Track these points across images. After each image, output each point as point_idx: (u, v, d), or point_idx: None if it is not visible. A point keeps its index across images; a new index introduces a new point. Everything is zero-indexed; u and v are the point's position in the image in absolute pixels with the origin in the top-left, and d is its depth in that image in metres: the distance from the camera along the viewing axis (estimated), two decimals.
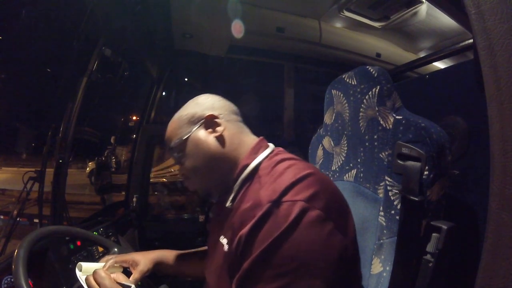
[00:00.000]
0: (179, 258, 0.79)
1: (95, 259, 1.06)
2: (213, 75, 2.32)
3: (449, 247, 0.53)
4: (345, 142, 0.79)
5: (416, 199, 0.53)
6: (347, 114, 0.77)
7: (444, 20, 1.76)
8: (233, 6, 1.52)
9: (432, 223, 0.54)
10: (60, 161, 1.30)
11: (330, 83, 0.85)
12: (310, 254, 0.44)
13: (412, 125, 0.59)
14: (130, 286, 0.59)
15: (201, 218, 2.20)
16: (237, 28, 1.66)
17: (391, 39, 2.15)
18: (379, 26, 1.89)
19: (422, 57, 1.12)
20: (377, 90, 0.66)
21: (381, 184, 0.65)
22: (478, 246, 0.71)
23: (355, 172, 0.75)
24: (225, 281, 0.52)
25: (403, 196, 0.56)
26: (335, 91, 0.82)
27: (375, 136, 0.67)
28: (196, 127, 0.61)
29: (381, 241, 0.62)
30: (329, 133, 0.87)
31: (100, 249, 1.10)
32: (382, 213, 0.64)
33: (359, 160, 0.73)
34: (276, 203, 0.45)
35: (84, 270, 0.67)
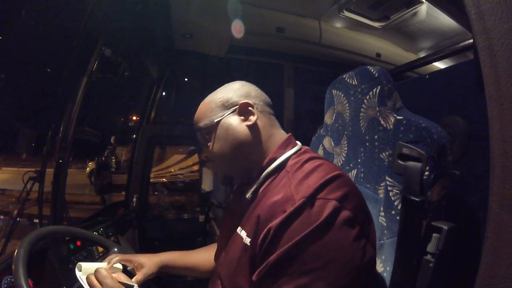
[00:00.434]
0: (183, 259, 0.78)
1: (95, 259, 1.06)
2: (213, 75, 2.32)
3: (449, 247, 0.53)
4: (346, 142, 0.79)
5: (417, 199, 0.53)
6: (348, 114, 0.77)
7: (444, 20, 1.76)
8: (233, 6, 1.52)
9: (432, 223, 0.54)
10: (60, 161, 1.31)
11: (330, 83, 0.84)
12: (338, 254, 0.44)
13: (413, 125, 0.58)
14: (133, 286, 0.59)
15: (201, 218, 2.20)
16: (237, 28, 1.66)
17: (391, 39, 2.15)
18: (379, 26, 1.89)
19: (422, 57, 1.12)
20: (377, 90, 0.66)
21: (381, 184, 0.65)
22: (478, 246, 0.71)
23: (355, 172, 0.75)
24: (242, 273, 0.52)
25: (404, 197, 0.56)
26: (335, 91, 0.82)
27: (376, 136, 0.67)
28: (229, 112, 0.60)
29: (382, 241, 0.62)
30: (329, 133, 0.87)
31: (100, 249, 1.10)
32: (382, 213, 0.64)
33: (359, 160, 0.73)
34: (310, 199, 0.45)
35: (84, 270, 0.67)
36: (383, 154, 0.65)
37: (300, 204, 0.45)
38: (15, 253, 0.62)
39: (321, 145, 0.91)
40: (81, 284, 0.64)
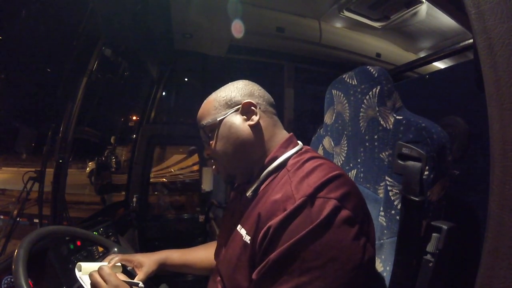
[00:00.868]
0: (182, 256, 0.79)
1: (95, 259, 1.06)
2: (213, 75, 2.32)
3: (449, 247, 0.53)
4: (345, 142, 0.79)
5: (417, 199, 0.53)
6: (348, 114, 0.77)
7: (444, 20, 1.76)
8: (233, 6, 1.52)
9: (432, 223, 0.54)
10: (60, 161, 1.31)
11: (330, 83, 0.84)
12: (338, 252, 0.44)
13: (413, 125, 0.58)
14: (138, 283, 0.60)
15: (201, 218, 2.20)
16: (237, 28, 1.66)
17: (391, 39, 2.15)
18: (379, 26, 1.89)
19: (422, 57, 1.12)
20: (377, 90, 0.66)
21: (381, 184, 0.65)
22: (478, 246, 0.71)
23: (355, 172, 0.75)
24: (242, 271, 0.52)
25: (404, 196, 0.56)
26: (335, 91, 0.82)
27: (376, 136, 0.67)
28: (232, 111, 0.61)
29: (381, 241, 0.62)
30: (329, 133, 0.87)
31: (100, 249, 1.10)
32: (382, 213, 0.64)
33: (359, 160, 0.73)
34: (310, 198, 0.46)
35: (84, 270, 0.67)
36: (383, 154, 0.65)
37: (301, 203, 0.45)
38: (15, 253, 0.62)
39: (321, 145, 0.91)
40: (81, 284, 0.64)
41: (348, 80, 0.76)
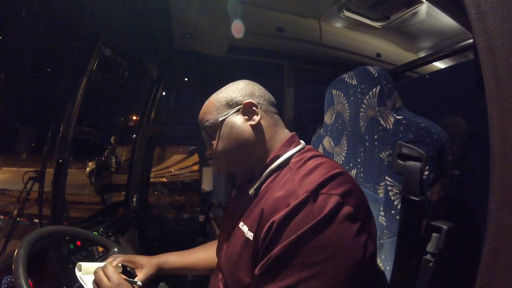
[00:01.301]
0: (181, 259, 0.79)
1: (95, 259, 1.06)
2: (213, 75, 2.32)
3: (449, 247, 0.53)
4: (345, 142, 0.79)
5: (417, 199, 0.53)
6: (347, 114, 0.77)
7: (444, 20, 1.76)
8: (233, 6, 1.52)
9: (432, 223, 0.54)
10: (60, 161, 1.31)
11: (330, 83, 0.84)
12: (339, 248, 0.44)
13: (413, 125, 0.58)
14: (136, 282, 0.62)
15: (201, 218, 2.20)
16: (237, 28, 1.66)
17: (391, 39, 2.15)
18: (379, 26, 1.89)
19: (422, 57, 1.12)
20: (377, 90, 0.66)
21: (381, 184, 0.65)
22: (478, 246, 0.71)
23: (355, 172, 0.75)
24: (244, 267, 0.53)
25: (404, 196, 0.56)
26: (335, 91, 0.82)
27: (375, 136, 0.67)
28: (233, 111, 0.61)
29: (381, 241, 0.62)
30: (329, 133, 0.87)
31: (100, 249, 1.10)
32: (382, 213, 0.64)
33: (359, 160, 0.73)
34: (313, 194, 0.46)
35: (84, 270, 0.67)
36: (383, 154, 0.65)
37: (303, 199, 0.46)
38: (15, 253, 0.62)
39: (321, 145, 0.91)
40: (81, 284, 0.65)
41: (348, 80, 0.76)
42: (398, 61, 2.19)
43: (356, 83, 0.73)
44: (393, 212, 0.61)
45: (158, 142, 2.54)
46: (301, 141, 0.64)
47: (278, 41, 1.98)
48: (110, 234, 1.27)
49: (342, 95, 0.79)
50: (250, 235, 0.53)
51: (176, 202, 4.09)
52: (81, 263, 0.67)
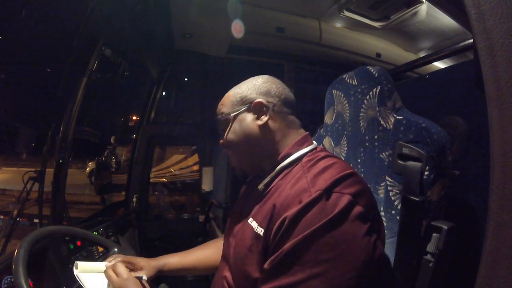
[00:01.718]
0: (180, 261, 0.79)
1: (95, 259, 1.06)
2: (213, 75, 2.32)
3: (449, 247, 0.53)
4: (345, 142, 0.79)
5: (417, 199, 0.53)
6: (348, 114, 0.77)
7: (444, 20, 1.76)
8: (233, 6, 1.52)
9: (432, 223, 0.54)
10: (60, 161, 1.30)
11: (330, 83, 0.84)
12: (350, 246, 0.45)
13: (413, 125, 0.58)
14: (142, 277, 0.64)
15: (201, 218, 2.20)
16: (237, 28, 1.66)
17: (391, 39, 2.15)
18: (379, 26, 1.89)
19: (422, 57, 1.12)
20: (377, 90, 0.66)
21: (381, 184, 0.65)
22: (478, 246, 0.71)
23: None
24: (252, 262, 0.53)
25: (404, 196, 0.56)
26: (335, 91, 0.82)
27: (376, 136, 0.67)
28: (244, 109, 0.63)
29: (384, 246, 0.62)
30: (329, 133, 0.87)
31: (100, 249, 1.10)
32: (382, 213, 0.64)
33: (359, 160, 0.73)
34: (326, 191, 0.47)
35: (81, 268, 0.67)
36: (383, 154, 0.65)
37: (317, 196, 0.47)
38: (15, 253, 0.62)
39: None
40: (80, 284, 0.65)
41: (348, 80, 0.76)
42: (398, 61, 2.19)
43: (356, 83, 0.73)
44: (393, 212, 0.61)
45: (158, 142, 2.54)
46: (314, 141, 0.64)
47: (278, 41, 1.98)
48: (110, 234, 1.27)
49: (342, 95, 0.79)
50: (260, 230, 0.54)
51: (176, 202, 4.10)
52: (78, 262, 0.68)
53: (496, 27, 0.29)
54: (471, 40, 0.81)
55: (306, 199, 0.47)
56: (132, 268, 0.73)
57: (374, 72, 0.68)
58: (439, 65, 1.74)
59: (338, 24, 1.96)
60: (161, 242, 2.19)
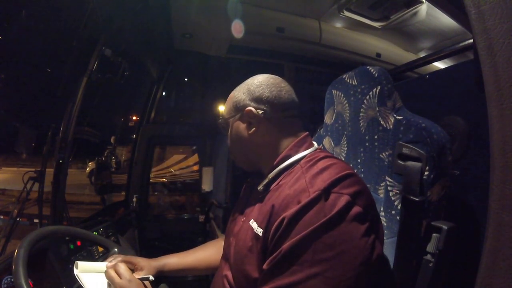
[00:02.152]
0: (180, 261, 0.79)
1: (95, 259, 1.06)
2: (213, 75, 2.32)
3: (449, 247, 0.53)
4: (345, 142, 0.79)
5: (417, 199, 0.53)
6: (348, 114, 0.77)
7: (444, 20, 1.76)
8: (233, 6, 1.52)
9: (432, 223, 0.54)
10: (60, 161, 1.30)
11: (331, 83, 0.84)
12: (348, 246, 0.45)
13: (413, 125, 0.58)
14: (149, 277, 0.64)
15: (201, 218, 2.20)
16: (237, 28, 1.66)
17: (391, 39, 2.15)
18: (379, 26, 1.89)
19: (422, 57, 1.12)
20: (377, 90, 0.66)
21: (381, 184, 0.65)
22: (478, 246, 0.71)
23: None
24: (252, 262, 0.53)
25: (404, 196, 0.56)
26: (335, 91, 0.82)
27: (376, 137, 0.67)
28: (237, 116, 0.64)
29: (382, 246, 0.62)
30: (329, 133, 0.87)
31: (100, 249, 1.10)
32: (382, 213, 0.64)
33: (359, 160, 0.73)
34: (324, 192, 0.47)
35: (81, 268, 0.67)
36: (383, 154, 0.65)
37: (315, 196, 0.47)
38: (15, 253, 0.62)
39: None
40: (80, 284, 0.65)
41: (348, 80, 0.76)
42: (398, 61, 2.19)
43: (356, 83, 0.73)
44: (393, 212, 0.61)
45: (158, 142, 2.54)
46: (314, 142, 0.64)
47: (278, 41, 1.98)
48: (110, 234, 1.27)
49: (342, 95, 0.79)
50: (259, 230, 0.54)
51: (176, 202, 4.10)
52: (78, 262, 0.67)
53: (496, 27, 0.29)
54: (471, 40, 0.81)
55: (304, 200, 0.47)
56: (132, 268, 0.73)
57: (374, 72, 0.68)
58: (439, 65, 1.74)
59: (338, 24, 1.96)
60: (161, 242, 2.19)
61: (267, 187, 0.60)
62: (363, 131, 0.71)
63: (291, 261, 0.46)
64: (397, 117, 0.63)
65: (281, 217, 0.48)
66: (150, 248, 2.12)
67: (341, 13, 1.76)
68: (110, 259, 0.73)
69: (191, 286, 1.75)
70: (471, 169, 0.77)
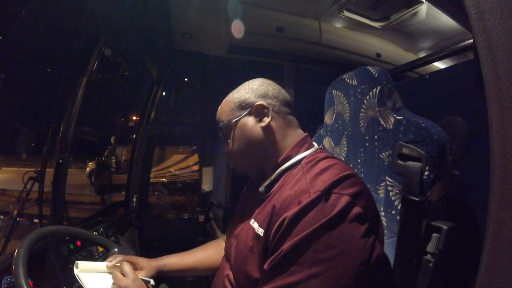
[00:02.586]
0: (180, 261, 0.79)
1: (95, 259, 1.07)
2: (213, 75, 2.32)
3: (449, 247, 0.53)
4: (345, 142, 0.79)
5: (417, 199, 0.53)
6: (348, 114, 0.77)
7: (444, 20, 1.76)
8: (233, 6, 1.52)
9: (432, 223, 0.54)
10: (60, 161, 1.30)
11: (330, 83, 0.84)
12: (348, 247, 0.45)
13: (413, 125, 0.58)
14: (150, 281, 0.65)
15: (201, 218, 2.20)
16: (237, 28, 1.66)
17: (391, 39, 2.15)
18: (379, 26, 1.89)
19: (422, 57, 1.12)
20: (377, 91, 0.66)
21: (381, 184, 0.65)
22: (478, 246, 0.71)
23: None
24: (253, 262, 0.54)
25: (404, 196, 0.56)
26: (335, 91, 0.82)
27: (376, 137, 0.67)
28: (245, 113, 0.63)
29: (383, 247, 0.62)
30: (329, 133, 0.87)
31: (100, 249, 1.10)
32: (382, 213, 0.64)
33: (359, 160, 0.73)
34: (325, 193, 0.47)
35: (81, 268, 0.67)
36: (383, 154, 0.65)
37: (316, 197, 0.47)
38: (15, 253, 0.62)
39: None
40: (80, 284, 0.65)
41: (348, 80, 0.76)
42: (398, 61, 2.18)
43: (356, 83, 0.73)
44: (393, 212, 0.61)
45: (158, 142, 2.54)
46: (314, 143, 0.65)
47: (278, 41, 1.98)
48: (110, 234, 1.27)
49: (342, 95, 0.79)
50: (260, 231, 0.54)
51: (176, 202, 4.10)
52: (78, 261, 0.67)
53: (496, 27, 0.29)
54: (471, 40, 0.81)
55: (305, 200, 0.47)
56: (132, 268, 0.73)
57: (374, 72, 0.68)
58: (439, 65, 1.74)
59: (338, 24, 1.96)
60: (161, 242, 2.19)
61: (268, 188, 0.60)
62: (363, 131, 0.71)
63: (291, 261, 0.46)
64: (397, 117, 0.63)
65: (282, 218, 0.48)
66: (150, 248, 2.12)
67: (341, 13, 1.76)
68: (110, 259, 0.73)
69: (191, 286, 1.75)
70: (471, 169, 0.77)
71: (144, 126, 2.28)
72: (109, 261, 0.71)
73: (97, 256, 1.09)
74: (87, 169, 6.89)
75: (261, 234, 0.53)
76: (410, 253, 0.55)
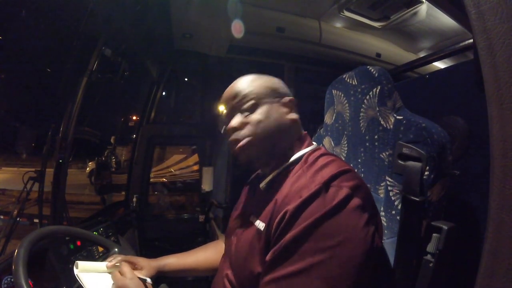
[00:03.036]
0: (181, 262, 0.80)
1: (95, 259, 1.07)
2: (213, 75, 2.32)
3: (449, 247, 0.53)
4: (346, 142, 0.79)
5: (417, 199, 0.53)
6: (348, 114, 0.77)
7: (444, 20, 1.76)
8: (233, 6, 1.52)
9: (432, 223, 0.54)
10: (60, 161, 1.31)
11: (331, 83, 0.84)
12: (350, 235, 0.46)
13: (413, 125, 0.58)
14: (146, 280, 0.66)
15: (201, 218, 2.20)
16: (237, 28, 1.66)
17: (391, 39, 2.15)
18: (379, 26, 1.89)
19: (422, 57, 1.12)
20: (378, 90, 0.66)
21: (381, 184, 0.65)
22: (478, 246, 0.71)
23: None
24: (255, 257, 0.54)
25: (404, 196, 0.56)
26: (335, 91, 0.82)
27: (376, 136, 0.67)
28: (279, 100, 0.64)
29: (382, 241, 0.62)
30: (329, 133, 0.87)
31: (100, 249, 1.10)
32: (382, 213, 0.64)
33: (359, 160, 0.73)
34: (325, 185, 0.49)
35: (81, 268, 0.67)
36: (383, 154, 0.65)
37: (316, 190, 0.48)
38: (15, 253, 0.62)
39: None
40: (80, 284, 0.65)
41: (348, 80, 0.76)
42: (398, 61, 2.18)
43: (356, 83, 0.73)
44: (393, 212, 0.61)
45: (158, 142, 2.55)
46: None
47: (278, 41, 1.98)
48: (110, 234, 1.27)
49: (342, 95, 0.79)
50: (262, 225, 0.55)
51: (176, 202, 4.10)
52: (78, 261, 0.68)
53: (496, 27, 0.29)
54: (471, 40, 0.81)
55: (306, 194, 0.49)
56: (132, 267, 0.73)
57: (374, 72, 0.68)
58: (439, 65, 1.74)
59: (338, 24, 1.96)
60: (161, 242, 2.19)
61: (269, 185, 0.61)
62: (363, 131, 0.71)
63: (293, 251, 0.47)
64: (397, 117, 0.63)
65: (283, 211, 0.50)
66: (150, 248, 2.12)
67: (341, 13, 1.76)
68: (110, 259, 0.73)
69: (191, 286, 1.75)
70: (471, 169, 0.77)
71: (144, 126, 2.28)
72: (109, 261, 0.71)
73: (97, 256, 1.09)
74: (87, 169, 6.90)
75: (262, 229, 0.54)
76: (410, 253, 0.55)
